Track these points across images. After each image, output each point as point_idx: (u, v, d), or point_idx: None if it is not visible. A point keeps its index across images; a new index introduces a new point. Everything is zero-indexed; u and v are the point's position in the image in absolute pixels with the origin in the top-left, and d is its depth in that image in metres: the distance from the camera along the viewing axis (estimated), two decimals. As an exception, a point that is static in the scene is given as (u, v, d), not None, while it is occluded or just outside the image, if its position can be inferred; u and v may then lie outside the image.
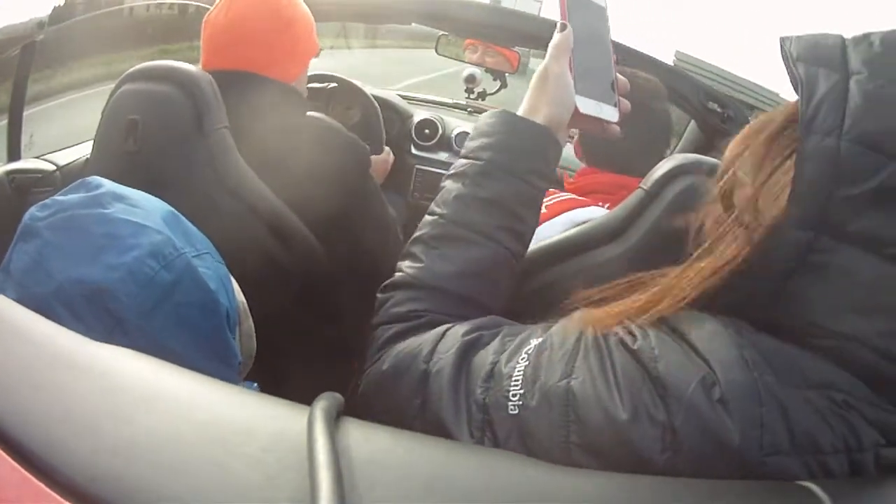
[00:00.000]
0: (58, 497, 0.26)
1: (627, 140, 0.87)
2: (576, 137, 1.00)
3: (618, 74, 0.61)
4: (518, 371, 0.41)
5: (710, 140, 1.24)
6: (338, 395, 0.33)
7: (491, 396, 0.41)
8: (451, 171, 0.56)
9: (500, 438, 0.40)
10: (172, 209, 0.52)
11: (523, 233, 0.55)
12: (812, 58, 0.38)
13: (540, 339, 0.43)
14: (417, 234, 0.55)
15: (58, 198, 0.48)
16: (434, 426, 0.43)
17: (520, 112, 0.57)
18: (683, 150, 1.34)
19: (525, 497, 0.30)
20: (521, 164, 0.54)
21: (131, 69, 0.85)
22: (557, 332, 0.43)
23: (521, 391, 0.40)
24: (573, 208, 0.85)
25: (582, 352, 0.40)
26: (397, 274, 0.54)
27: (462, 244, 0.53)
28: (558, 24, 0.57)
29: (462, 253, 0.52)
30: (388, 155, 1.42)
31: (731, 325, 0.38)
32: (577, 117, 0.57)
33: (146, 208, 0.49)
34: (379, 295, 0.55)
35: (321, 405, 0.31)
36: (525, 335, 0.45)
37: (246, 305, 0.56)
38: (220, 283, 0.50)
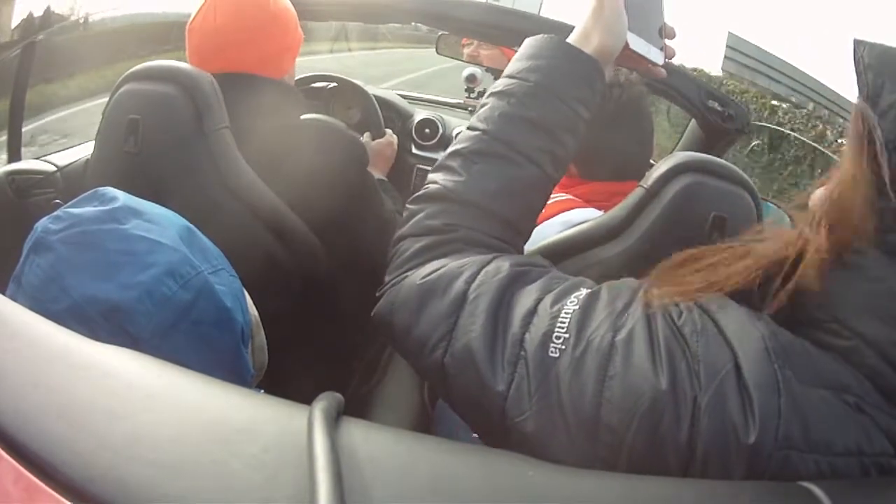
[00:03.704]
0: (58, 496, 0.26)
1: (621, 144, 0.87)
2: None
3: (666, 21, 0.62)
4: (566, 314, 0.40)
5: (710, 139, 1.23)
6: (338, 395, 0.33)
7: (531, 333, 0.40)
8: (495, 90, 0.55)
9: (532, 378, 0.39)
10: (188, 224, 0.52)
11: (562, 158, 0.54)
12: (881, 68, 0.39)
13: (590, 290, 0.43)
14: (455, 147, 0.54)
15: (71, 210, 0.47)
16: (461, 354, 0.42)
17: (570, 39, 0.56)
18: (684, 149, 1.34)
19: (526, 497, 0.30)
20: (569, 90, 0.53)
21: (132, 69, 0.85)
22: (609, 289, 0.43)
23: (567, 335, 0.39)
24: (571, 209, 0.85)
25: (631, 312, 0.40)
26: (431, 186, 0.53)
27: (504, 162, 0.51)
28: None
29: (503, 171, 0.51)
30: (391, 137, 1.42)
31: (757, 317, 0.38)
32: (626, 53, 0.57)
33: (162, 224, 0.49)
34: (409, 206, 0.53)
35: (321, 405, 0.31)
36: (575, 281, 0.45)
37: (258, 319, 0.56)
38: (235, 300, 0.50)
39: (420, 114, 1.65)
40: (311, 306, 0.91)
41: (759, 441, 0.33)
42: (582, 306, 0.41)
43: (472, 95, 1.81)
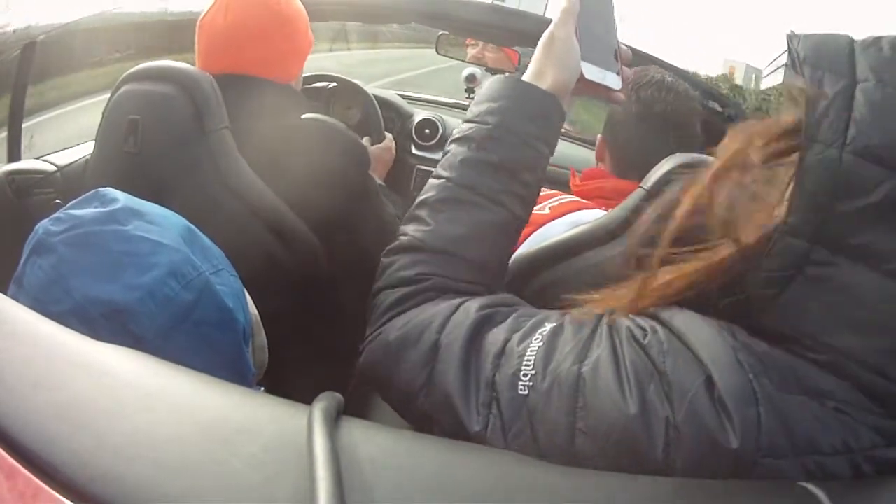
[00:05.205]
0: (58, 496, 0.26)
1: (658, 148, 0.85)
2: (598, 142, 0.97)
3: (621, 44, 0.62)
4: (531, 351, 0.41)
5: (710, 140, 1.23)
6: (338, 395, 0.33)
7: (501, 374, 0.41)
8: (456, 135, 0.56)
9: (506, 418, 0.40)
10: (189, 224, 0.52)
11: (527, 197, 0.55)
12: (818, 60, 0.36)
13: (555, 324, 0.43)
14: (422, 197, 0.55)
15: (72, 212, 0.47)
16: (440, 400, 0.43)
17: (525, 77, 0.57)
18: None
19: (525, 497, 0.30)
20: (528, 128, 0.54)
21: (132, 69, 0.85)
22: (573, 319, 0.43)
23: (533, 372, 0.40)
24: (577, 210, 0.84)
25: (596, 340, 0.40)
26: (402, 238, 0.54)
27: (469, 207, 0.52)
28: None
29: (469, 216, 0.52)
30: (390, 142, 1.42)
31: (726, 329, 0.38)
32: (582, 83, 0.58)
33: (163, 225, 0.49)
34: (383, 259, 0.54)
35: (321, 405, 0.31)
36: (541, 317, 0.45)
37: (258, 318, 0.57)
38: (236, 300, 0.50)
39: (420, 114, 1.64)
40: (311, 306, 0.91)
41: (742, 452, 0.33)
42: (546, 341, 0.41)
43: (471, 95, 1.81)
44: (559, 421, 0.37)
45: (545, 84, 0.55)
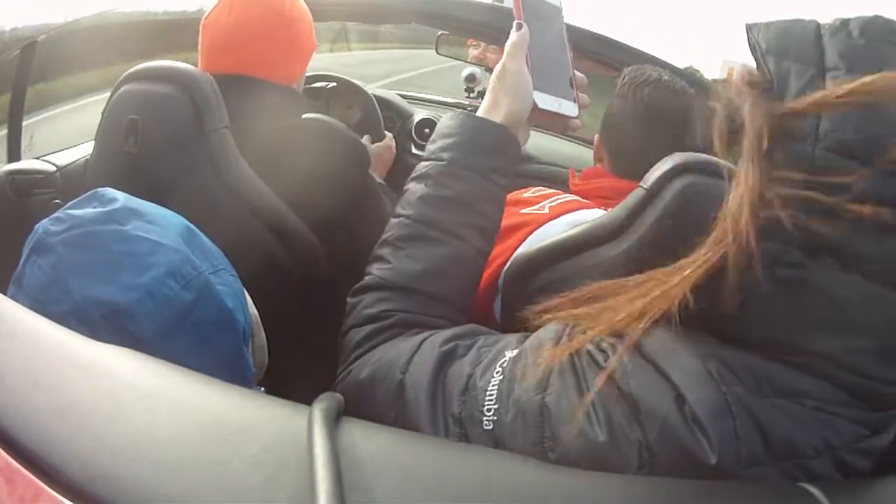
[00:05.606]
0: (58, 496, 0.26)
1: (649, 144, 0.85)
2: (596, 141, 0.97)
3: (575, 71, 0.63)
4: (493, 385, 0.41)
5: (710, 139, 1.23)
6: (338, 395, 0.33)
7: (466, 411, 0.41)
8: (414, 174, 0.57)
9: None
10: (188, 224, 0.52)
11: (487, 229, 0.56)
12: (783, 50, 0.34)
13: (515, 352, 0.43)
14: (384, 236, 0.56)
15: (71, 212, 0.47)
16: None
17: (480, 112, 0.57)
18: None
19: (525, 497, 0.30)
20: (482, 162, 0.55)
21: (131, 69, 0.85)
22: (532, 345, 0.42)
23: (496, 406, 0.40)
24: (577, 209, 0.84)
25: (557, 367, 0.39)
26: (366, 277, 0.55)
27: (428, 243, 0.53)
28: (514, 24, 0.58)
29: (428, 252, 0.53)
30: (390, 141, 1.42)
31: (693, 340, 0.37)
32: (537, 113, 0.58)
33: (162, 225, 0.49)
34: (349, 299, 0.55)
35: (321, 405, 0.31)
36: (500, 346, 0.45)
37: (258, 318, 0.57)
38: (236, 300, 0.50)
39: (420, 114, 1.64)
40: (311, 306, 0.90)
41: (723, 466, 0.32)
42: (507, 373, 0.41)
43: (471, 95, 1.80)
44: (527, 451, 0.37)
45: (499, 116, 0.56)
